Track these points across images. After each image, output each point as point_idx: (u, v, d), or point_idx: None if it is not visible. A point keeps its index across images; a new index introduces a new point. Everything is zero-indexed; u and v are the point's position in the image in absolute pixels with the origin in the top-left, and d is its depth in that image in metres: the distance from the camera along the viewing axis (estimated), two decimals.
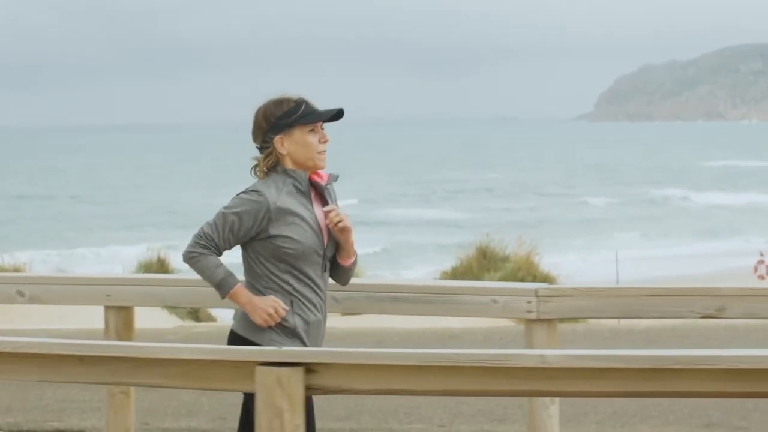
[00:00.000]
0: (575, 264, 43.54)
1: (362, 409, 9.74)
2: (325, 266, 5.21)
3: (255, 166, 5.20)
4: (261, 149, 5.18)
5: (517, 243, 20.94)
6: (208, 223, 5.13)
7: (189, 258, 5.13)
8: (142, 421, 9.38)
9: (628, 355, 3.89)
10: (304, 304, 5.14)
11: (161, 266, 22.72)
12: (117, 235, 56.00)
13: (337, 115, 5.23)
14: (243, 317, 5.19)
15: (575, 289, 5.92)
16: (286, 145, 5.14)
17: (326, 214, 5.16)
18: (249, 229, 5.06)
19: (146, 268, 22.53)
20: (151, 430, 9.33)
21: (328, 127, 5.28)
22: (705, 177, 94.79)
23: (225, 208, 5.10)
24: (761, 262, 28.03)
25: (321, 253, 5.16)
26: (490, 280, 18.92)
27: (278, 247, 5.06)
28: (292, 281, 5.11)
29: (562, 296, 5.83)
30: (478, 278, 18.79)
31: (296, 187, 5.14)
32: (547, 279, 19.12)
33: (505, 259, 20.38)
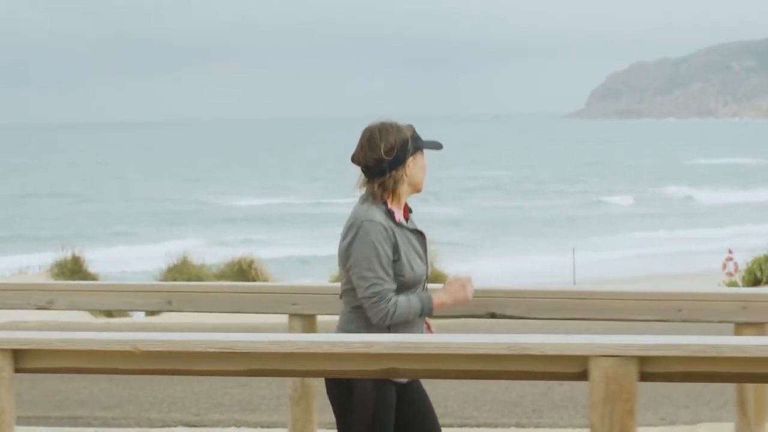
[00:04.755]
0: (559, 261, 42.74)
1: (131, 399, 10.41)
2: (424, 289, 5.35)
3: (373, 187, 5.27)
4: (381, 171, 5.26)
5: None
6: (365, 288, 5.14)
7: (386, 320, 5.15)
8: None
9: None
10: (402, 326, 5.22)
11: (76, 263, 22.22)
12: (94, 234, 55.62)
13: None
14: (341, 329, 5.29)
15: None
16: (411, 167, 5.29)
17: (465, 282, 5.38)
18: (391, 256, 5.17)
19: (61, 266, 22.05)
20: None
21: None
22: (705, 175, 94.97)
23: (361, 265, 5.14)
24: (729, 259, 27.23)
25: (424, 279, 5.32)
26: None
27: (394, 275, 5.17)
28: None
29: None
30: None
31: (392, 219, 5.25)
32: (439, 278, 18.90)
33: None
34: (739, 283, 24.03)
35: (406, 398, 5.34)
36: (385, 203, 5.28)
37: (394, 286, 5.16)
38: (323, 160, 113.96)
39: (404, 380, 5.26)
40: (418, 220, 5.51)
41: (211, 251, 31.53)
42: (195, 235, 54.64)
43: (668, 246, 49.97)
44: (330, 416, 9.28)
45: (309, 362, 4.28)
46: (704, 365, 4.10)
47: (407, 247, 5.24)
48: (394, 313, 5.12)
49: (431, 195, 76.71)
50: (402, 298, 5.16)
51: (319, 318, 6.52)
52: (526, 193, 79.58)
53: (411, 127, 5.37)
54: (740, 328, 5.93)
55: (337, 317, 5.34)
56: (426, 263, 5.35)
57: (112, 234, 56.28)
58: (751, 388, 5.97)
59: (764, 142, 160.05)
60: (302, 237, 55.15)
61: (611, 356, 4.09)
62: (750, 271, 23.89)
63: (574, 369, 4.16)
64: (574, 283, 32.18)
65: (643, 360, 4.10)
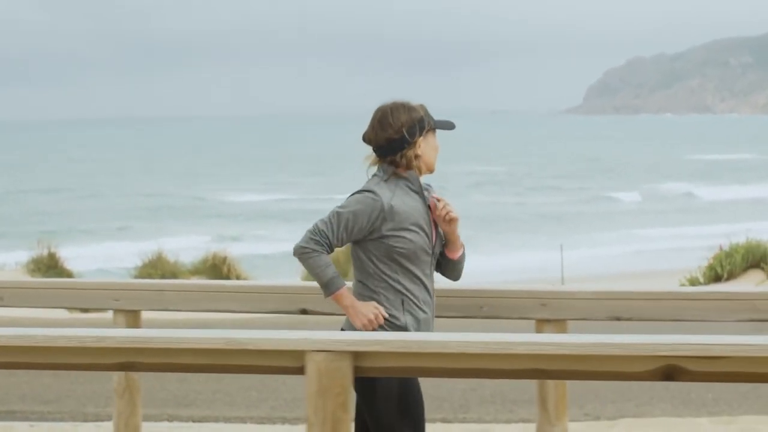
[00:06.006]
0: (552, 257, 42.63)
1: (70, 394, 10.62)
2: (433, 264, 5.34)
3: (381, 165, 5.31)
4: (392, 150, 5.28)
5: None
6: (322, 220, 5.27)
7: (301, 253, 5.24)
8: None
9: None
10: (414, 302, 5.24)
11: (51, 259, 22.10)
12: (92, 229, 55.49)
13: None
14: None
15: None
16: (422, 146, 5.33)
17: (434, 204, 5.33)
18: (362, 228, 5.19)
19: (37, 262, 21.94)
20: None
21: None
22: (704, 171, 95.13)
23: (340, 207, 5.26)
24: None
25: (430, 251, 5.29)
26: None
27: (391, 247, 5.19)
28: (402, 280, 5.23)
29: None
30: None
31: (409, 187, 5.30)
32: None
33: None
34: (701, 279, 23.76)
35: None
36: (400, 176, 5.31)
37: (334, 245, 5.23)
38: (322, 156, 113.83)
39: None
40: None
41: (207, 247, 31.32)
42: (193, 231, 54.43)
43: (668, 242, 49.78)
44: (153, 409, 9.76)
45: (47, 356, 4.37)
46: (413, 360, 4.28)
47: (411, 219, 5.24)
48: (308, 258, 5.21)
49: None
50: (325, 260, 5.21)
51: (144, 314, 6.53)
52: (524, 189, 79.43)
53: (423, 107, 5.37)
54: (540, 324, 5.99)
55: (159, 314, 5.11)
56: (433, 235, 5.33)
57: (108, 229, 56.08)
58: (551, 384, 5.99)
59: (762, 138, 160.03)
60: (299, 232, 54.99)
61: (324, 351, 4.27)
62: (711, 267, 23.71)
63: (292, 363, 4.32)
64: (563, 282, 32.00)
65: (357, 355, 4.29)
